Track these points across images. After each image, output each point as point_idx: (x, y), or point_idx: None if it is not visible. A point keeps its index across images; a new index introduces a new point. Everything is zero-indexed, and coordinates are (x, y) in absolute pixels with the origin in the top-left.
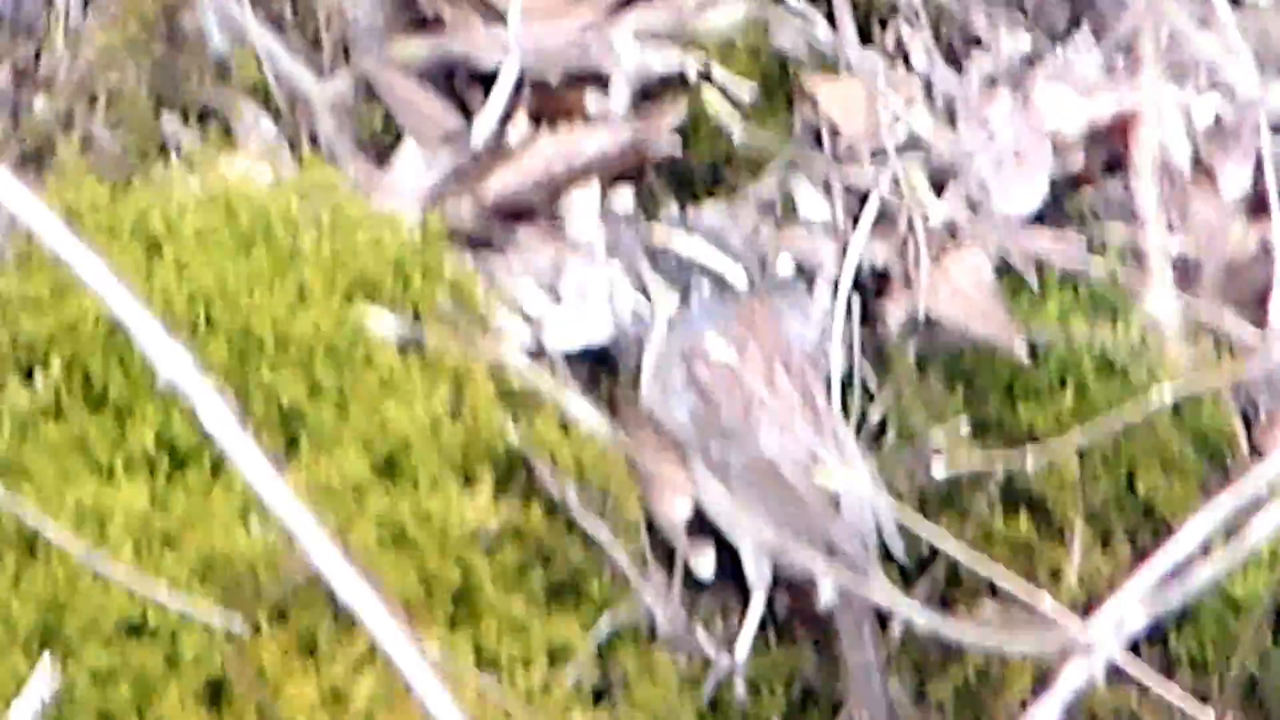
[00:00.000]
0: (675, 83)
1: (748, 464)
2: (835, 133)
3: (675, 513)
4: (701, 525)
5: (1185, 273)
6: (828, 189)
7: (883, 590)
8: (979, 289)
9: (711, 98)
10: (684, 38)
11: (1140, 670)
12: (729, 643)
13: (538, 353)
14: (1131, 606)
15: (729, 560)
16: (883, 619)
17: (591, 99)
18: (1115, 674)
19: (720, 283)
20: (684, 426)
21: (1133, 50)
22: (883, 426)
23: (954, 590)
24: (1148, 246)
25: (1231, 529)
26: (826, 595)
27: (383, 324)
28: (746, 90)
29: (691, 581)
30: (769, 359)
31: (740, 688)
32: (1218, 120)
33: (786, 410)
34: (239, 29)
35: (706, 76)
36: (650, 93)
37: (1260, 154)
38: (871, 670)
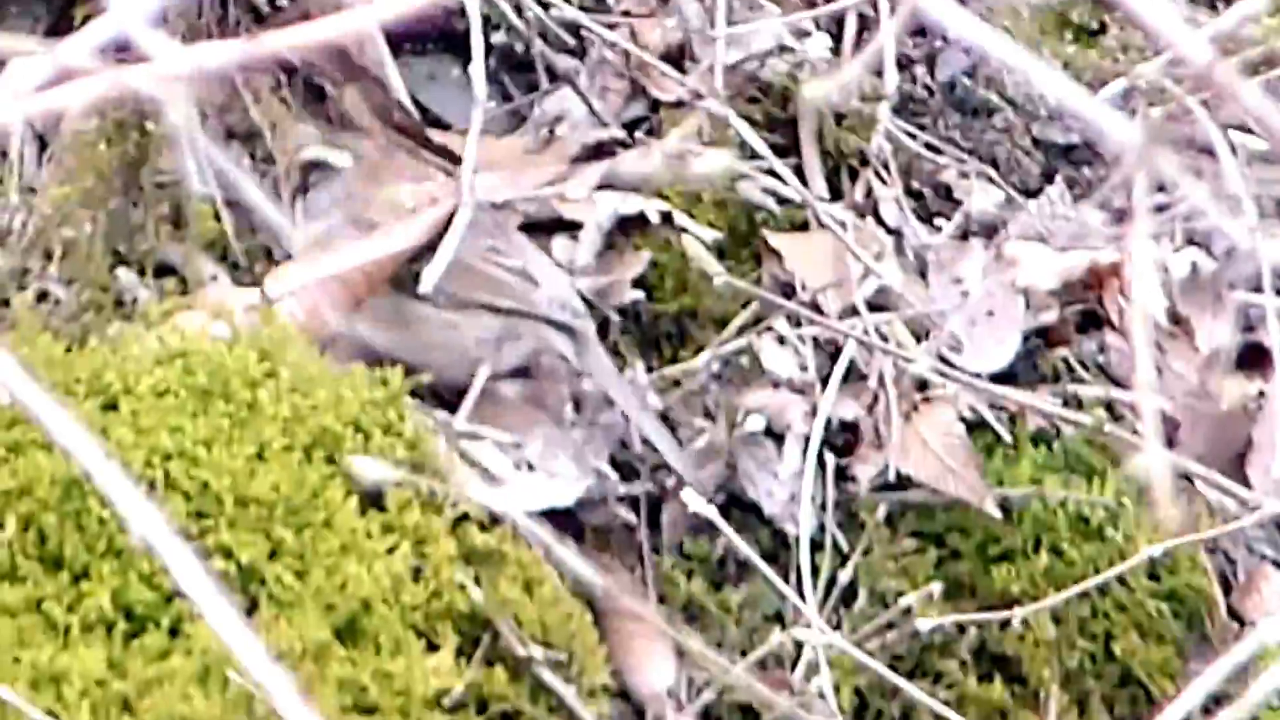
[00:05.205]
0: (634, 232)
1: (451, 274)
2: (802, 287)
3: (657, 680)
4: None
5: (1162, 430)
6: (795, 345)
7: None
8: (950, 447)
9: (690, 242)
10: (649, 188)
11: None
12: None
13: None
14: None
15: None
16: None
17: (558, 246)
18: None
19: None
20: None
21: (1108, 204)
22: (854, 587)
23: None
24: (1137, 402)
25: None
26: (570, 355)
27: (368, 469)
28: (713, 241)
29: None
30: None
31: None
32: (1194, 273)
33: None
34: (216, 174)
35: (668, 221)
36: (610, 242)
37: (1243, 307)
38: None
